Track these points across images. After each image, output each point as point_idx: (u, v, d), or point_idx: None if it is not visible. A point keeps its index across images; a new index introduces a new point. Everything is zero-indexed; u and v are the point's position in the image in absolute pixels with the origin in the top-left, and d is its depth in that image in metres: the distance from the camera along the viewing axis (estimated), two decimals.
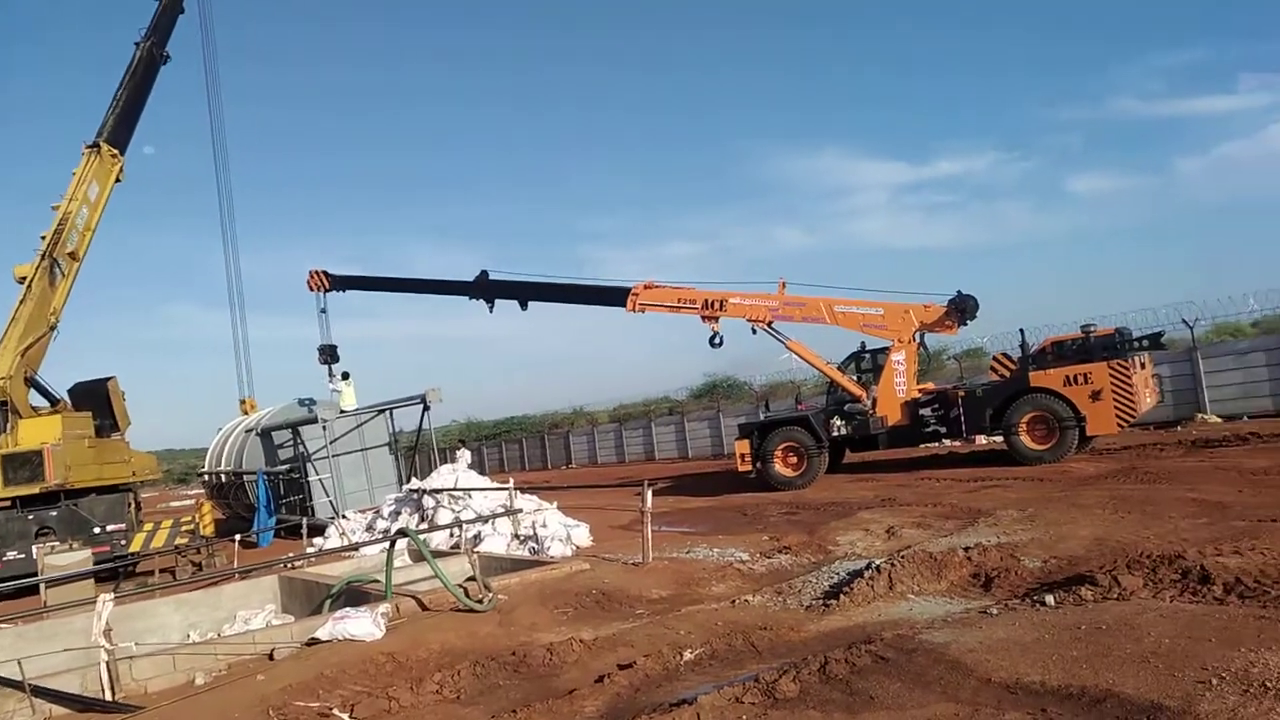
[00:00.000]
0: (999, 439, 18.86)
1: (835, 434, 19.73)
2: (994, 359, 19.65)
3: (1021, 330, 19.07)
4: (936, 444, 21.33)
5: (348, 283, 27.22)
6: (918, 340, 19.59)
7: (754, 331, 20.80)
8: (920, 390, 19.49)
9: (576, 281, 23.88)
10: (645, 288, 21.82)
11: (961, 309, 18.77)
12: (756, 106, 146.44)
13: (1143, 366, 18.01)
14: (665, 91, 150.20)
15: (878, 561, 9.34)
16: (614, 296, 22.44)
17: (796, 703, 5.46)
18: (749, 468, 20.24)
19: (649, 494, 11.90)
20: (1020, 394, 17.76)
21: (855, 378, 20.40)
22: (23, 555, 17.81)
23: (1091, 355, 17.36)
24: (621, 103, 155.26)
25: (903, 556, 9.25)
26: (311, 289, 26.84)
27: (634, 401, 43.28)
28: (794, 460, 19.67)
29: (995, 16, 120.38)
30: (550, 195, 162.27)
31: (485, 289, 24.15)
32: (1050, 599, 7.06)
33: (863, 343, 20.49)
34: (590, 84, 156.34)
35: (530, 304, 23.81)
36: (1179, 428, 21.03)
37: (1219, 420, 21.33)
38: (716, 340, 21.09)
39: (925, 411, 19.03)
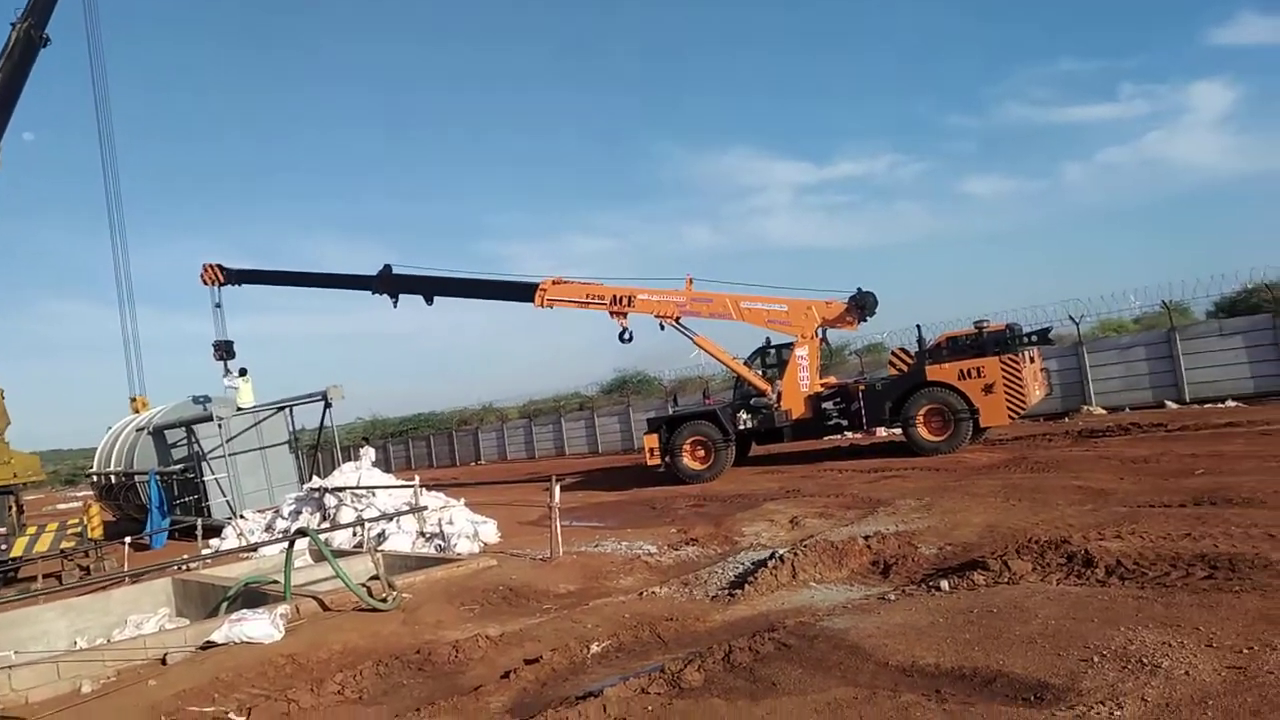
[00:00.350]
0: (898, 431, 19.44)
1: (742, 427, 20.04)
2: (892, 354, 20.24)
3: (918, 326, 19.73)
4: (839, 436, 21.88)
5: (243, 277, 26.38)
6: (820, 336, 20.02)
7: (662, 328, 20.97)
8: (823, 384, 19.94)
9: (483, 276, 23.60)
10: (553, 283, 21.76)
11: (861, 305, 19.26)
12: (663, 104, 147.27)
13: (1032, 361, 18.80)
14: (570, 86, 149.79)
15: (781, 551, 9.52)
16: (522, 292, 22.31)
17: (701, 691, 5.53)
18: (658, 461, 20.39)
19: (557, 489, 11.87)
20: (917, 387, 18.33)
21: (761, 372, 20.74)
22: None
23: (984, 350, 18.02)
24: (528, 97, 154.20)
25: (805, 546, 9.46)
26: (205, 283, 25.94)
27: (544, 397, 43.12)
28: (702, 454, 19.89)
29: (893, 24, 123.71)
30: (455, 190, 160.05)
31: (388, 283, 23.70)
32: (945, 584, 7.31)
33: (768, 338, 20.85)
34: (496, 73, 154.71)
35: (437, 299, 23.51)
36: (1066, 419, 22.03)
37: (1103, 412, 22.43)
38: (625, 336, 21.18)
39: (828, 405, 19.47)
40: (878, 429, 21.83)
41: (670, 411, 22.10)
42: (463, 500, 16.03)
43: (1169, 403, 21.85)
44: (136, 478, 23.98)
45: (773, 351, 20.88)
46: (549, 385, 51.32)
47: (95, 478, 28.52)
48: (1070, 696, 4.62)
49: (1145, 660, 4.92)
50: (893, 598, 7.34)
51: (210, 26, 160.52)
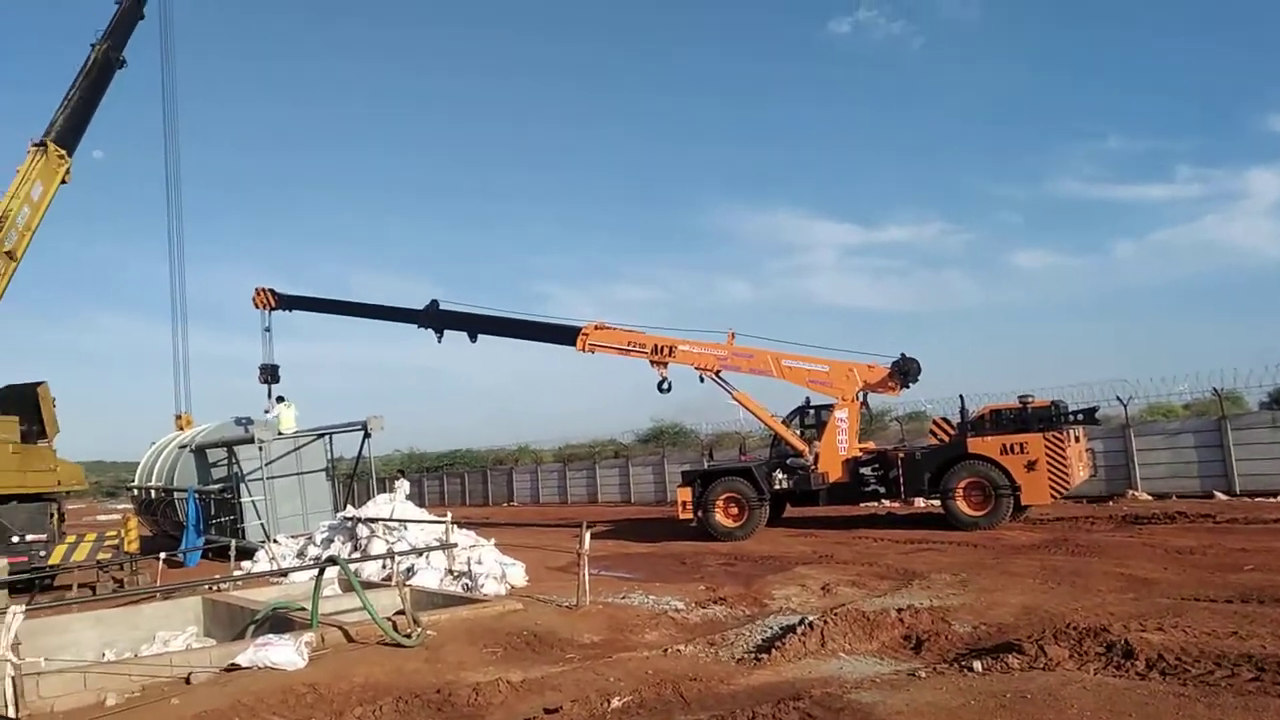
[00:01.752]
0: (936, 502, 19.14)
1: (777, 487, 19.86)
2: (934, 423, 20.01)
3: (961, 397, 19.52)
4: (876, 503, 21.58)
5: (295, 303, 26.90)
6: (861, 399, 19.89)
7: (701, 380, 20.97)
8: (862, 449, 19.75)
9: (527, 317, 23.90)
10: (596, 328, 21.92)
11: (905, 371, 19.13)
12: (713, 157, 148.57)
13: (1077, 440, 18.46)
14: (620, 138, 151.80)
15: (811, 618, 9.37)
16: (564, 335, 22.51)
17: None
18: (690, 516, 20.26)
19: (587, 536, 11.84)
20: (958, 459, 18.07)
21: (799, 432, 20.61)
22: None
23: (1028, 425, 17.75)
24: (578, 137, 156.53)
25: (836, 614, 9.31)
26: (257, 306, 26.52)
27: (580, 442, 43.15)
28: (735, 511, 19.72)
29: (943, 93, 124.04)
30: (502, 231, 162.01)
31: (435, 318, 24.03)
32: (978, 665, 7.15)
33: (807, 398, 20.74)
34: (548, 114, 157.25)
35: (480, 337, 23.77)
36: (1110, 502, 21.52)
37: (1149, 497, 21.88)
38: (664, 386, 21.24)
39: (866, 470, 19.25)
40: (916, 499, 21.52)
41: (705, 465, 22.01)
42: (493, 540, 16.03)
43: (1218, 493, 21.26)
44: (175, 494, 24.33)
45: (812, 412, 20.74)
46: (585, 430, 51.46)
47: (136, 491, 28.99)
48: None
49: None
50: (923, 675, 7.18)
51: (281, 55, 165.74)
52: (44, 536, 18.58)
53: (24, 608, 8.24)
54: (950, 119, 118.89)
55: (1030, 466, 17.25)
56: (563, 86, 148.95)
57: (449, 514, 16.53)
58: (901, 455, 19.01)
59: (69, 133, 22.74)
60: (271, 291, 26.44)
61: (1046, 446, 17.22)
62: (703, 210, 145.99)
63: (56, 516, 20.01)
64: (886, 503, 21.94)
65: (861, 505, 21.15)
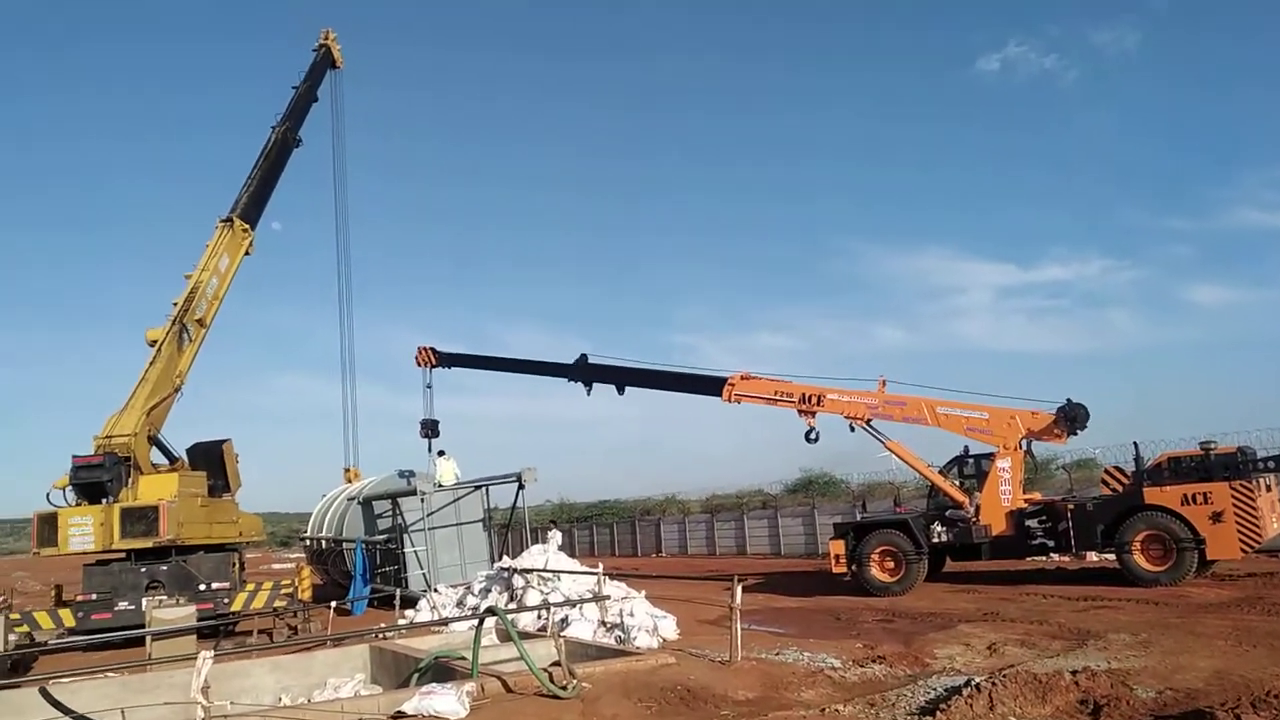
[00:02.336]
0: (1111, 557, 17.97)
1: (935, 540, 19.10)
2: (1106, 472, 18.91)
3: (1135, 444, 18.35)
4: (1044, 558, 20.42)
5: (453, 360, 28.23)
6: (1024, 448, 18.99)
7: (852, 429, 20.50)
8: (1027, 500, 18.79)
9: (673, 369, 24.17)
10: (741, 378, 21.85)
11: (1071, 418, 18.17)
12: (855, 201, 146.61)
13: (1269, 489, 17.01)
14: (762, 184, 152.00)
15: (978, 679, 8.94)
16: (710, 386, 22.56)
17: None
18: (843, 569, 19.71)
19: (739, 590, 11.70)
20: (1134, 510, 16.93)
21: (958, 483, 19.82)
22: (133, 606, 18.44)
23: (1211, 474, 16.50)
24: (718, 193, 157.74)
25: (1005, 675, 8.84)
26: (419, 364, 27.89)
27: (727, 492, 42.80)
28: (891, 565, 19.07)
29: (1099, 126, 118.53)
30: (644, 283, 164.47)
31: (584, 372, 24.62)
32: None
33: (966, 447, 19.96)
34: (688, 172, 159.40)
35: (627, 389, 24.16)
36: None
37: None
38: (812, 436, 20.87)
39: (1032, 523, 18.28)
40: (1088, 553, 20.25)
41: (858, 517, 21.42)
42: (643, 592, 16.05)
43: None
44: (344, 545, 25.60)
45: (971, 461, 19.94)
46: (732, 480, 50.90)
47: (308, 542, 30.68)
48: None
49: None
50: None
51: (442, 126, 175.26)
52: (227, 585, 19.88)
53: (212, 653, 8.82)
54: (1108, 152, 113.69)
55: (1216, 518, 15.97)
56: (707, 144, 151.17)
57: (600, 565, 16.70)
58: (1071, 506, 17.95)
59: (252, 208, 24.75)
60: (432, 350, 27.82)
61: (1234, 496, 15.92)
62: (849, 254, 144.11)
63: (238, 566, 21.39)
64: (1055, 557, 20.70)
65: (1028, 560, 20.11)
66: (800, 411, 20.86)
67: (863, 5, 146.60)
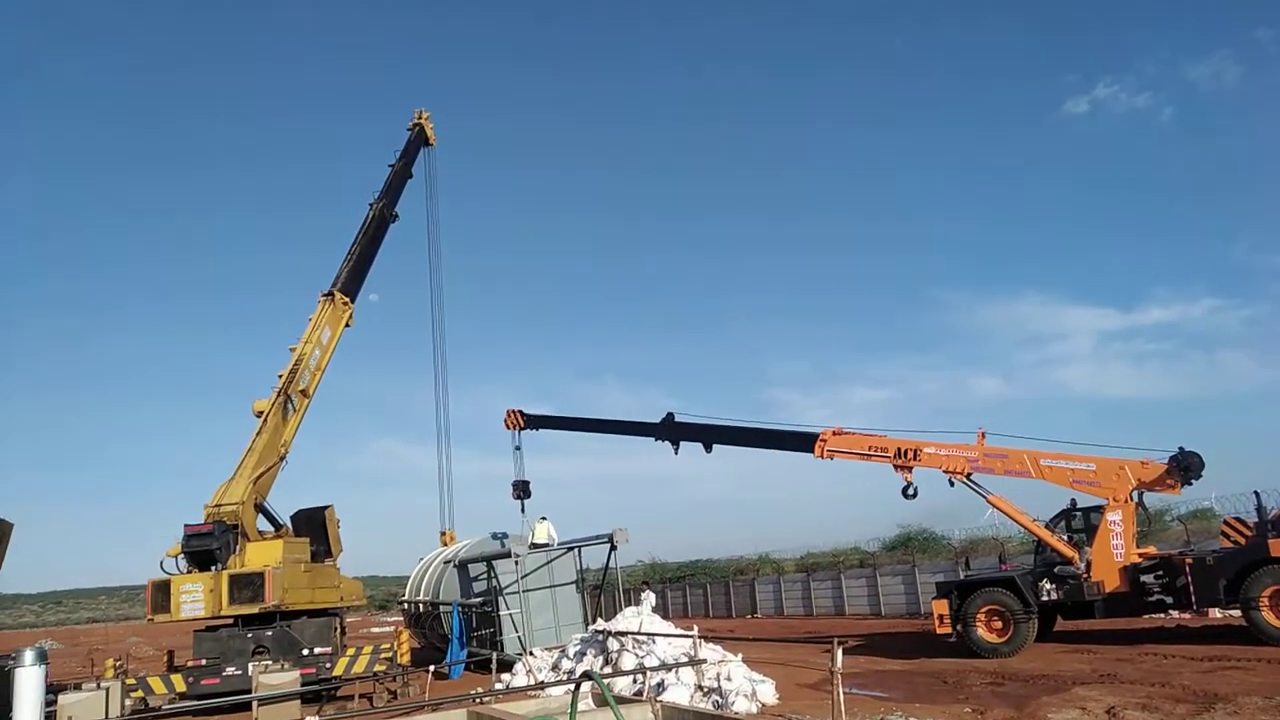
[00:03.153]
0: (1236, 614, 16.93)
1: (1045, 598, 18.28)
2: (1225, 523, 17.89)
3: (1256, 493, 17.39)
4: (1162, 615, 19.39)
5: (540, 422, 28.64)
6: (1135, 499, 18.14)
7: (951, 483, 19.89)
8: (1141, 554, 17.88)
9: (762, 425, 23.87)
10: (834, 434, 21.47)
11: (1185, 467, 17.32)
12: (948, 251, 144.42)
13: None
14: (851, 237, 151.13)
15: None
16: (801, 442, 22.22)
17: None
18: (948, 630, 19.00)
19: (839, 653, 11.37)
20: (1259, 564, 15.95)
21: (1066, 537, 19.00)
22: (240, 671, 18.88)
23: None
24: (806, 247, 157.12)
25: None
26: (508, 427, 28.39)
27: (822, 551, 41.96)
28: (999, 625, 18.30)
29: (1199, 163, 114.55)
30: (734, 340, 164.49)
31: (670, 430, 24.59)
32: None
33: (1073, 500, 19.16)
34: (775, 228, 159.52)
35: (716, 447, 24.00)
36: None
37: None
38: (910, 491, 20.30)
39: (1148, 578, 17.37)
40: (1210, 610, 19.13)
41: (961, 575, 20.71)
42: (740, 655, 15.78)
43: None
44: (441, 608, 25.83)
45: (1079, 515, 19.11)
46: (827, 538, 49.99)
47: (406, 605, 31.05)
48: None
49: None
50: None
51: (528, 194, 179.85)
52: (329, 649, 20.21)
53: (317, 718, 8.95)
54: (1211, 189, 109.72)
55: None
56: (790, 185, 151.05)
57: (695, 627, 16.48)
58: (1190, 561, 17.01)
59: (351, 281, 25.71)
60: (520, 412, 28.32)
61: None
62: (945, 305, 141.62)
63: (339, 630, 21.76)
64: (1174, 614, 19.65)
65: (1144, 617, 19.08)
66: (896, 467, 20.37)
67: (939, 58, 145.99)
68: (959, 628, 18.71)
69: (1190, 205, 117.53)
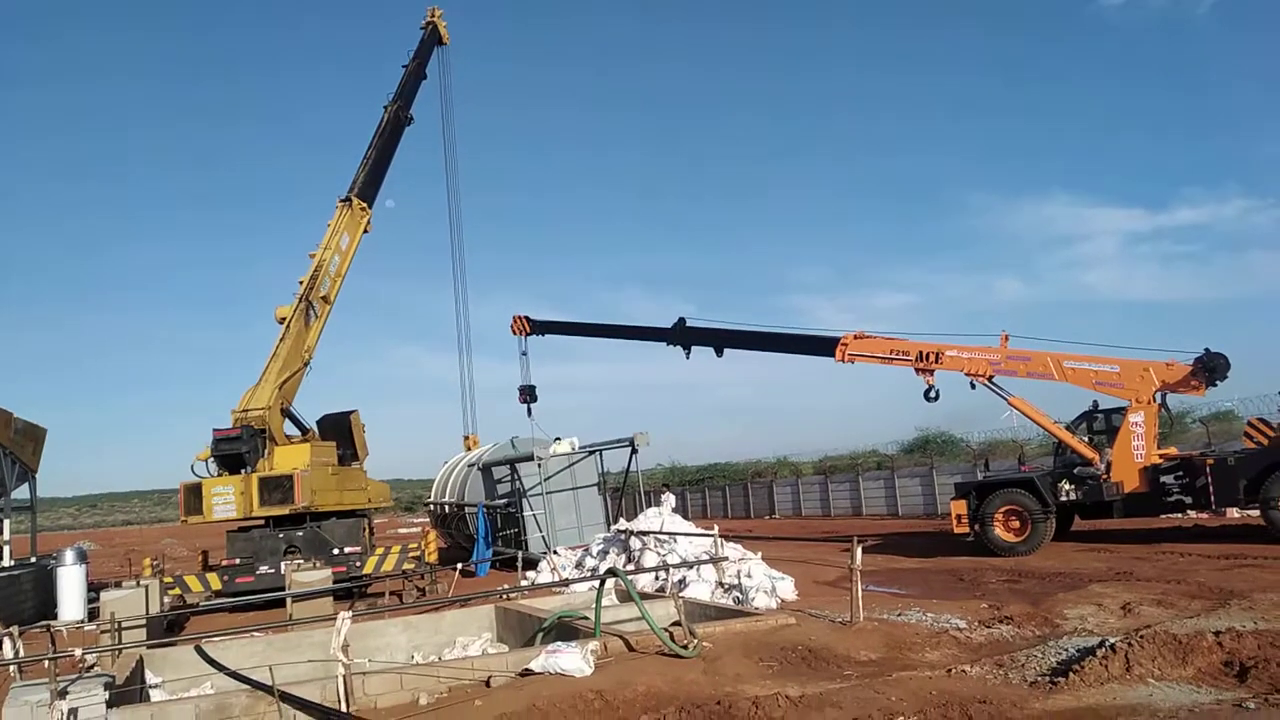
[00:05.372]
0: (1255, 513, 17.02)
1: (1063, 499, 18.42)
2: (1249, 424, 17.81)
3: None
4: (1180, 515, 19.51)
5: (547, 327, 28.70)
6: (1158, 401, 18.08)
7: (973, 386, 19.85)
8: (1161, 455, 17.90)
9: (779, 330, 23.74)
10: (855, 338, 21.36)
11: (1210, 368, 17.17)
12: (974, 152, 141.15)
13: None
14: (874, 138, 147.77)
15: (1112, 639, 8.61)
16: (820, 346, 22.12)
17: None
18: (966, 530, 19.24)
19: (859, 550, 11.55)
20: None
21: (1086, 439, 19.04)
22: (273, 570, 19.50)
23: None
24: (828, 150, 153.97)
25: (1141, 636, 8.48)
26: (514, 332, 28.54)
27: (841, 454, 42.33)
28: (1016, 524, 18.50)
29: (1236, 58, 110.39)
30: (754, 245, 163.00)
31: (682, 335, 24.49)
32: None
33: (1095, 401, 19.13)
34: (796, 130, 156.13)
35: (728, 352, 24.00)
36: None
37: None
38: (932, 394, 20.30)
39: (1167, 479, 17.43)
40: (1229, 509, 19.23)
41: (980, 476, 20.84)
42: (759, 554, 16.06)
43: None
44: (466, 509, 26.41)
45: (1101, 416, 19.11)
46: (845, 442, 50.43)
47: (432, 507, 31.75)
48: None
49: None
50: (1252, 706, 6.40)
51: (549, 95, 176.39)
52: (359, 549, 20.78)
53: (349, 613, 9.22)
54: (1247, 86, 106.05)
55: None
56: (812, 90, 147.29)
57: (715, 527, 16.77)
58: (1211, 461, 17.02)
59: (368, 186, 25.46)
60: (526, 318, 28.46)
61: None
62: (969, 208, 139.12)
63: (368, 531, 22.32)
64: (1193, 514, 19.76)
65: (1162, 518, 19.22)
66: (918, 370, 20.32)
67: None
68: (977, 527, 18.94)
69: (1225, 102, 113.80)
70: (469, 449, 30.93)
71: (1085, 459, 18.52)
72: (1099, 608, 11.46)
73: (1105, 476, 18.00)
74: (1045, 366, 18.82)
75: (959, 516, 19.31)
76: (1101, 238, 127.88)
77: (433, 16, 30.75)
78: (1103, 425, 19.04)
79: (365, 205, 25.09)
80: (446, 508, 29.20)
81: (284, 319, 22.66)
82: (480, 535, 24.24)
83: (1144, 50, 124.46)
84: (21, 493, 23.92)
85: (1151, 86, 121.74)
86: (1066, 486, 18.43)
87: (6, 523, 22.30)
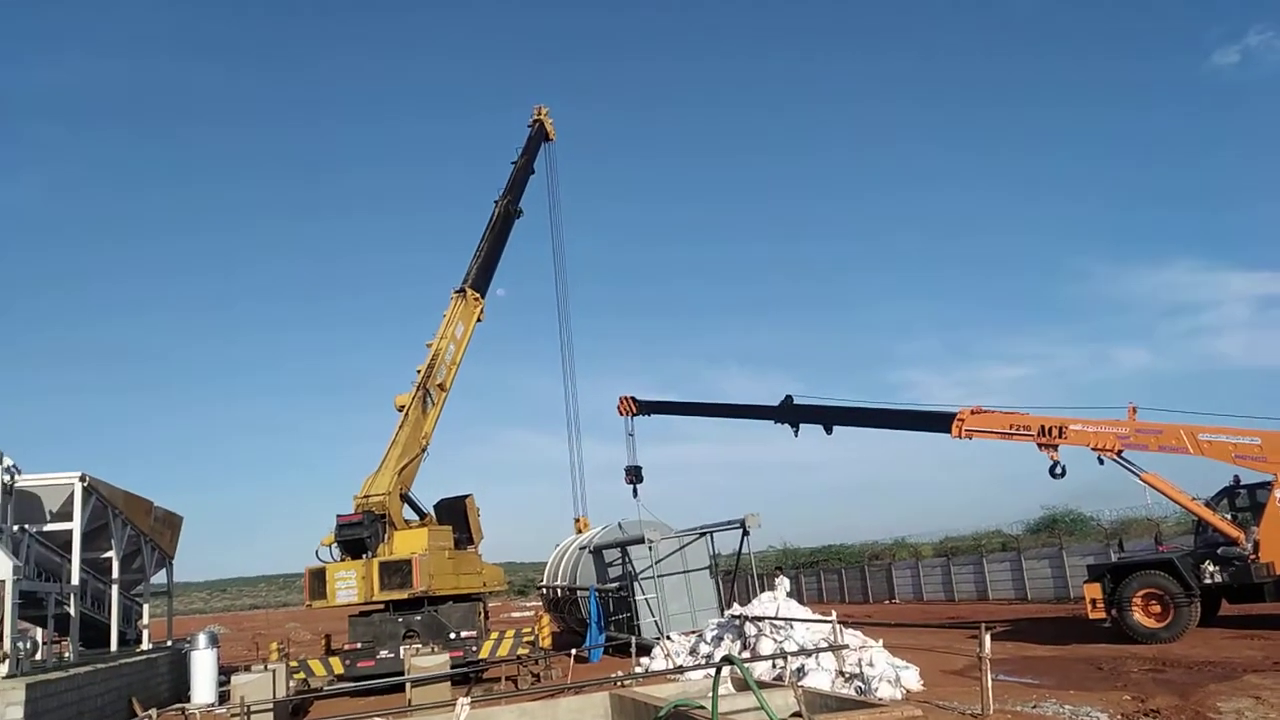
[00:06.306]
0: None
1: (1207, 581, 17.25)
2: None
3: None
4: None
5: (653, 407, 28.88)
6: None
7: (1101, 462, 18.92)
8: None
9: (891, 406, 23.27)
10: (972, 413, 20.70)
11: None
12: (1087, 219, 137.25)
13: None
14: (982, 210, 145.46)
15: None
16: (935, 422, 21.51)
17: None
18: (1101, 615, 18.17)
19: (987, 638, 11.06)
20: None
21: (1229, 516, 17.86)
22: (392, 654, 19.77)
23: None
24: (938, 224, 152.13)
25: None
26: (621, 413, 28.80)
27: (962, 535, 40.76)
28: (1157, 609, 17.38)
29: None
30: (862, 321, 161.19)
31: (790, 413, 24.25)
32: None
33: (1236, 476, 17.98)
34: (903, 207, 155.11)
35: (838, 430, 23.63)
36: None
37: None
38: (1057, 470, 19.40)
39: None
40: None
41: (1114, 557, 19.74)
42: (880, 640, 15.51)
43: None
44: (578, 593, 26.38)
45: (1244, 492, 17.92)
46: (963, 522, 48.56)
47: (545, 590, 31.83)
48: None
49: None
50: None
51: (646, 186, 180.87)
52: (475, 633, 20.95)
53: (468, 699, 9.27)
54: None
55: None
56: (913, 159, 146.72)
57: (834, 613, 16.29)
58: None
59: (481, 277, 26.46)
60: (633, 399, 28.71)
61: None
62: (1085, 275, 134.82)
63: (483, 614, 22.52)
64: None
65: None
66: (1040, 445, 19.51)
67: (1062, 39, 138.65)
68: (1114, 612, 17.85)
69: None
70: (579, 531, 31.05)
71: (1230, 538, 17.35)
72: (1258, 701, 10.63)
73: (1254, 557, 16.81)
74: (1178, 439, 17.85)
75: (1094, 601, 18.24)
76: (1231, 303, 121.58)
77: (539, 114, 32.10)
78: (1246, 501, 17.85)
79: (479, 295, 26.02)
80: (559, 591, 29.23)
81: (402, 406, 23.47)
82: (593, 619, 24.13)
83: (1261, 108, 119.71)
84: (159, 578, 25.12)
85: (1271, 144, 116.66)
86: (1211, 568, 17.27)
87: (145, 607, 23.38)
